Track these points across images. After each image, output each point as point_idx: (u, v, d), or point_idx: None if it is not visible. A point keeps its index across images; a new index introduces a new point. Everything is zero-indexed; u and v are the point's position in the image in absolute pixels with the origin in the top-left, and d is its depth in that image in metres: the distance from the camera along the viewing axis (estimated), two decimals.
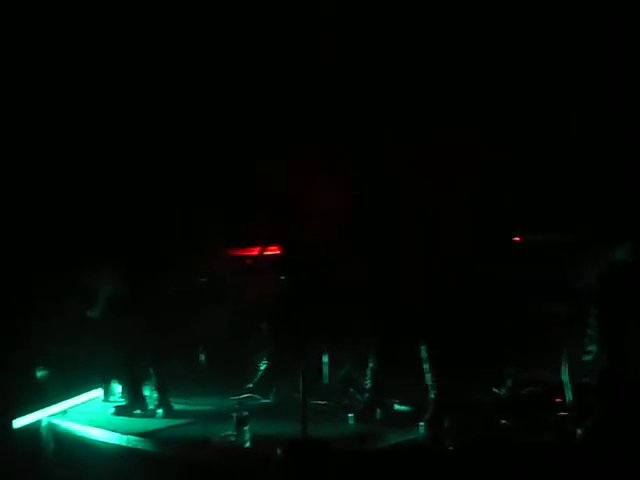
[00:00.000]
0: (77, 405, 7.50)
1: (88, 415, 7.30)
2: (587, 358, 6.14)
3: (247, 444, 6.22)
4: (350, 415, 6.86)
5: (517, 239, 7.28)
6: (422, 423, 6.40)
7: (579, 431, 6.00)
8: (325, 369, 7.76)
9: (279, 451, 5.90)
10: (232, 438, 6.29)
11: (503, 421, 6.36)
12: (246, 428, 6.23)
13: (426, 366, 6.59)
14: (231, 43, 8.36)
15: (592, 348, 6.11)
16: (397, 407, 7.00)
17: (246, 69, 8.31)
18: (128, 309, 7.33)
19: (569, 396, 6.28)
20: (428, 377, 6.58)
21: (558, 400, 6.43)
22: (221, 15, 8.30)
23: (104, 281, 7.47)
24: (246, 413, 6.28)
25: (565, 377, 6.32)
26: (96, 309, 7.46)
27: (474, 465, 5.63)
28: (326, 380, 7.74)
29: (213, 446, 6.33)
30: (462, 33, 7.57)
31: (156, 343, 7.43)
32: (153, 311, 7.37)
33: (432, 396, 6.56)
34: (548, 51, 7.31)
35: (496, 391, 6.90)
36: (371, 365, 6.94)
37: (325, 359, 7.76)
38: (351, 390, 7.36)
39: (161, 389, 7.37)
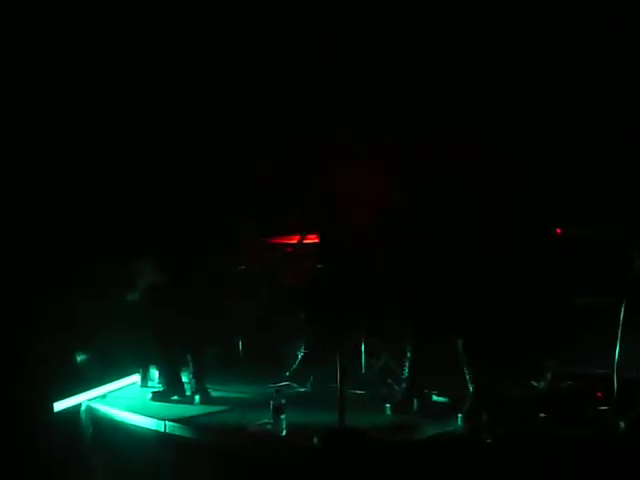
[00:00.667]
0: (115, 390, 7.54)
1: (126, 400, 7.33)
2: None
3: (283, 432, 6.21)
4: (387, 405, 6.82)
5: (559, 231, 7.19)
6: (460, 415, 6.35)
7: (621, 425, 5.92)
8: (363, 358, 7.74)
9: (315, 440, 5.90)
10: (269, 426, 6.28)
11: (542, 415, 6.28)
12: (283, 416, 6.22)
13: (463, 359, 6.54)
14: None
15: None
16: (435, 398, 6.95)
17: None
18: (166, 295, 7.35)
19: (614, 390, 6.17)
20: (466, 370, 6.53)
21: (599, 394, 6.34)
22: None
23: (144, 267, 7.51)
24: (283, 401, 6.26)
25: (612, 371, 6.21)
26: (135, 293, 7.50)
27: (512, 458, 5.58)
28: (364, 370, 7.72)
29: (249, 434, 6.33)
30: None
31: (193, 329, 7.44)
32: (191, 297, 7.37)
33: (470, 389, 6.52)
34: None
35: (535, 384, 6.84)
36: (409, 355, 6.89)
37: (363, 348, 7.73)
38: (389, 380, 7.32)
39: (198, 376, 7.38)
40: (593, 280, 6.44)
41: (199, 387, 7.36)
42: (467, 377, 6.52)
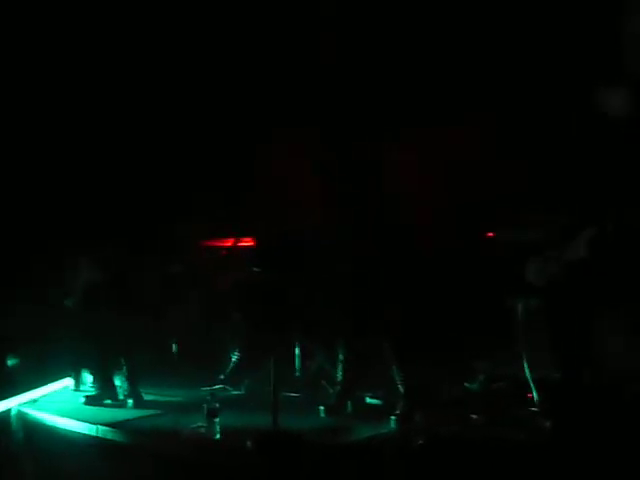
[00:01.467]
0: (47, 394, 7.45)
1: (58, 404, 7.24)
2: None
3: (217, 436, 6.19)
4: (321, 408, 6.83)
5: (491, 234, 7.31)
6: (393, 417, 6.40)
7: (546, 427, 6.02)
8: (297, 361, 7.75)
9: (249, 443, 5.89)
10: (202, 430, 6.26)
11: (474, 416, 6.36)
12: (216, 420, 6.20)
13: (392, 359, 6.59)
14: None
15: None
16: (369, 400, 7.00)
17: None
18: (102, 297, 7.27)
19: (534, 392, 6.28)
20: (395, 371, 6.59)
21: (530, 395, 6.43)
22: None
23: (81, 268, 7.40)
24: (217, 405, 6.25)
25: (527, 373, 6.32)
26: (73, 298, 7.40)
27: (443, 461, 5.64)
28: (298, 372, 7.73)
29: (183, 437, 6.30)
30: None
31: (127, 332, 7.38)
32: (126, 299, 7.32)
33: (401, 390, 6.57)
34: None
35: (468, 386, 6.92)
36: (341, 357, 6.92)
37: (297, 351, 7.75)
38: (323, 382, 7.35)
39: (131, 379, 7.33)
40: (521, 281, 6.53)
41: (132, 391, 7.31)
42: (397, 378, 6.57)
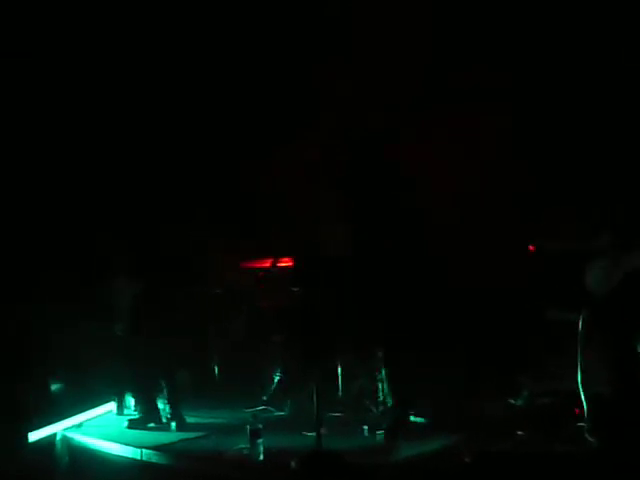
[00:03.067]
0: (91, 418, 7.48)
1: (102, 428, 7.27)
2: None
3: (261, 457, 6.16)
4: (365, 427, 6.78)
5: (531, 247, 7.21)
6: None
7: (593, 442, 5.91)
8: (340, 381, 7.71)
9: (293, 464, 5.86)
10: (246, 451, 6.24)
11: (520, 432, 6.28)
12: (260, 441, 6.17)
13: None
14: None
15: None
16: (413, 419, 6.92)
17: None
18: (148, 325, 7.29)
19: (585, 407, 6.16)
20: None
21: (577, 410, 6.31)
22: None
23: (127, 294, 7.42)
24: (260, 425, 6.22)
25: (580, 387, 6.19)
26: (121, 324, 7.41)
27: (491, 478, 5.57)
28: (341, 392, 7.68)
29: (227, 459, 6.28)
30: None
31: (168, 355, 7.39)
32: (166, 323, 7.33)
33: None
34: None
35: (512, 402, 6.84)
36: (381, 377, 6.87)
37: (340, 371, 7.71)
38: (366, 402, 7.30)
39: (174, 402, 7.34)
40: (563, 295, 6.43)
41: (175, 413, 7.31)
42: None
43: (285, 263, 8.18)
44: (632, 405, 5.84)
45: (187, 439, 6.91)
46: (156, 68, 8.37)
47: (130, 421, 7.35)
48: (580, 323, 6.12)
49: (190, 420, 7.36)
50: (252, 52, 8.36)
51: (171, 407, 7.32)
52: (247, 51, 8.37)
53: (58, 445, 6.99)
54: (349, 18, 8.08)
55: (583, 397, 6.09)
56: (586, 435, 6.01)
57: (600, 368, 5.98)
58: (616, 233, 5.90)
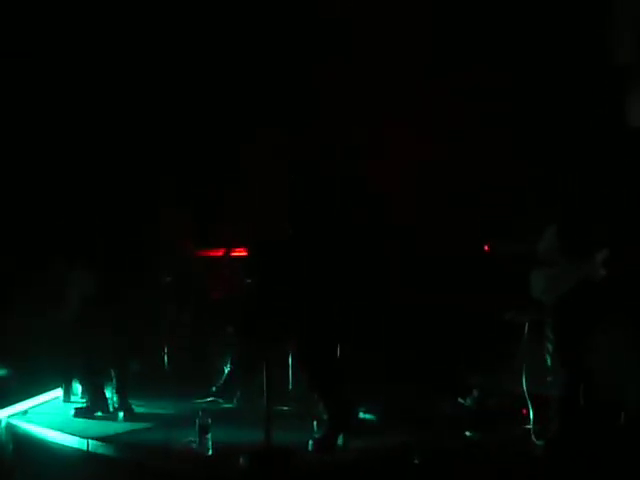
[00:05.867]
0: (37, 405, 7.38)
1: (48, 416, 7.18)
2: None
3: (209, 452, 6.12)
4: (315, 422, 6.74)
5: (486, 248, 7.23)
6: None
7: (539, 444, 5.97)
8: (290, 373, 7.67)
9: (242, 460, 5.83)
10: (194, 444, 6.19)
11: (468, 433, 6.31)
12: (208, 435, 6.12)
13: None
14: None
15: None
16: (362, 415, 6.92)
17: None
18: (97, 311, 7.18)
19: (530, 409, 6.21)
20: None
21: (524, 411, 6.36)
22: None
23: (74, 281, 7.31)
24: (209, 420, 6.16)
25: (525, 388, 6.24)
26: (67, 311, 7.30)
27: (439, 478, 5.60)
28: (291, 385, 7.65)
29: (174, 452, 6.22)
30: None
31: (118, 344, 7.31)
32: (116, 311, 7.24)
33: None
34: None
35: (462, 402, 6.86)
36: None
37: (290, 363, 7.67)
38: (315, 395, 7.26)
39: (122, 391, 7.26)
40: (515, 296, 6.46)
41: (123, 403, 7.23)
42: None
43: (239, 253, 8.11)
44: (575, 410, 5.89)
45: (134, 430, 6.84)
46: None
47: (77, 409, 7.25)
48: (526, 326, 6.21)
49: (138, 410, 7.29)
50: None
51: (119, 397, 7.24)
52: None
53: (2, 432, 6.89)
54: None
55: (528, 400, 6.16)
56: (532, 437, 6.07)
57: (545, 371, 6.05)
58: (566, 242, 5.92)
